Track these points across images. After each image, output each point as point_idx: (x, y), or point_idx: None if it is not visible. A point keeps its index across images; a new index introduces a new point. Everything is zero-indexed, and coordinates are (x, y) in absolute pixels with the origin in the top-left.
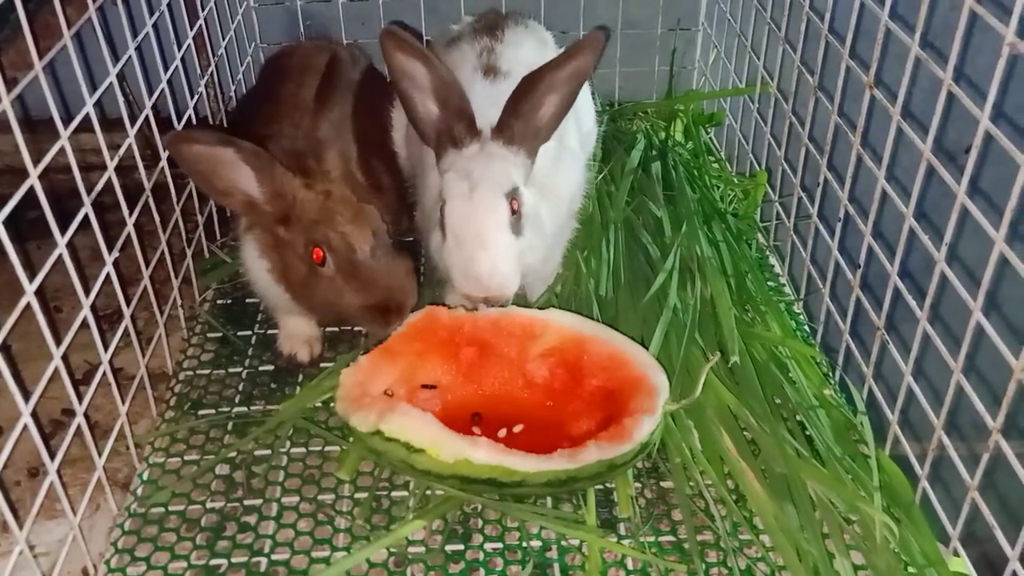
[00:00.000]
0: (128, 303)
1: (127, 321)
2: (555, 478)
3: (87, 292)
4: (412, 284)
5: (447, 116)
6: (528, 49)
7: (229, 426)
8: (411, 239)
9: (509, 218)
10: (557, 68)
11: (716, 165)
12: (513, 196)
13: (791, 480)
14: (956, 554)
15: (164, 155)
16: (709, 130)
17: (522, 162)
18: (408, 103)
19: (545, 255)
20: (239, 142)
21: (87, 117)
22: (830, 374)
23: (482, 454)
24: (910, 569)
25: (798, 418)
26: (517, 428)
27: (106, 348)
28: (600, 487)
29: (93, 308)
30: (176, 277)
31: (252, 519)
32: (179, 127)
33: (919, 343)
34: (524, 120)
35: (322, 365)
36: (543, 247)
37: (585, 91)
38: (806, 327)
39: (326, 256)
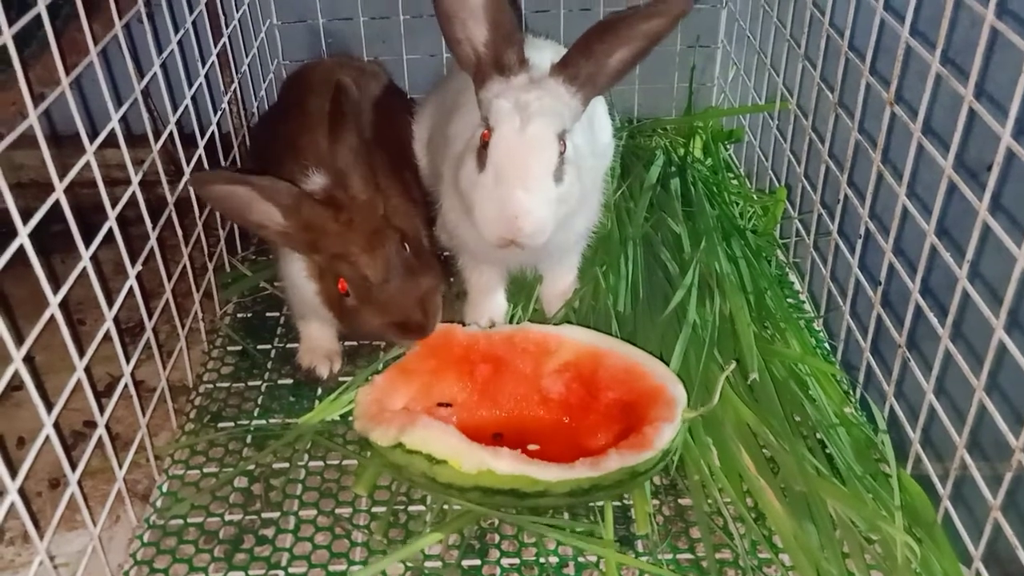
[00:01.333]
0: (150, 316)
1: (149, 334)
2: (578, 487)
3: (110, 305)
4: (431, 303)
5: (497, 40)
6: (546, 59)
7: (248, 439)
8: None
9: (556, 160)
10: (635, 21)
11: (735, 182)
12: (562, 138)
13: (811, 498)
14: (978, 575)
15: (187, 170)
16: (728, 147)
17: (576, 107)
18: (448, 22)
19: (577, 210)
20: (254, 179)
21: (112, 132)
22: (850, 392)
23: (505, 464)
24: None
25: (818, 436)
26: (532, 447)
27: (128, 360)
28: (618, 503)
29: (116, 321)
30: (197, 290)
31: (270, 532)
32: (202, 143)
33: (941, 361)
34: (593, 61)
35: (340, 379)
36: (578, 199)
37: (602, 105)
38: (826, 344)
39: (348, 287)
